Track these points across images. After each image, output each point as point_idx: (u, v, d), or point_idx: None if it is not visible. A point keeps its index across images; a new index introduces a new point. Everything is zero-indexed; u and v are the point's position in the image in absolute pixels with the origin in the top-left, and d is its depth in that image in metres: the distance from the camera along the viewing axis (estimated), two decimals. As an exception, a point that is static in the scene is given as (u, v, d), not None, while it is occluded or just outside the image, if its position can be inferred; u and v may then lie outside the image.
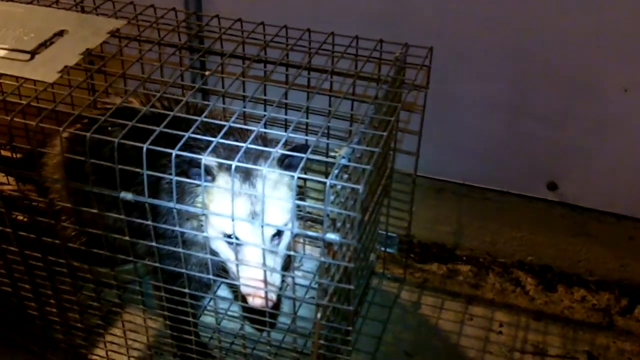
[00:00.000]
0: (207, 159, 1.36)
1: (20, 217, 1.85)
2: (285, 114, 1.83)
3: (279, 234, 1.53)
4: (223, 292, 2.03)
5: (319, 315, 1.41)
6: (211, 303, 1.90)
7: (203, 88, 1.66)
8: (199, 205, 1.53)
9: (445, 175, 2.15)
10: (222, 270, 1.61)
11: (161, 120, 1.38)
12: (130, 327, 1.76)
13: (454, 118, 2.04)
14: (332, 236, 1.27)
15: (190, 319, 1.63)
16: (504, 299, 2.07)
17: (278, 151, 1.40)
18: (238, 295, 1.57)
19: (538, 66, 1.92)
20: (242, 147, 1.34)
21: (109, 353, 1.81)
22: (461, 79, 1.99)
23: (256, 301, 1.49)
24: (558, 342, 1.93)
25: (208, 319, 1.93)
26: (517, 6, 1.87)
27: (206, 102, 1.97)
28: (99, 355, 1.84)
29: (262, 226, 1.42)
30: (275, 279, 1.50)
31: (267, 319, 1.51)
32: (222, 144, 1.37)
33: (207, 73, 1.63)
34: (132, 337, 1.77)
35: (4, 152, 2.19)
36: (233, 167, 1.29)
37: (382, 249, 2.05)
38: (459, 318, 2.00)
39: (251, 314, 1.59)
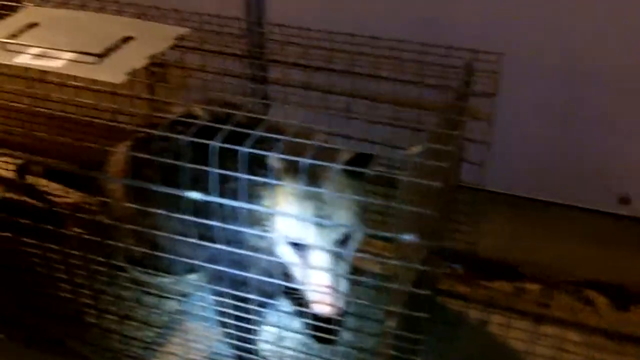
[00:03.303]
0: (274, 155, 1.33)
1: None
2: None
3: (345, 239, 1.49)
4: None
5: (390, 323, 1.36)
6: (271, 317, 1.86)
7: (265, 96, 1.65)
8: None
9: (511, 189, 2.08)
10: (285, 276, 1.58)
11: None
12: (190, 339, 1.72)
13: (520, 128, 1.98)
14: (408, 237, 1.22)
15: (252, 326, 1.60)
16: (574, 318, 1.99)
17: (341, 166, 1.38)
18: (302, 305, 1.53)
19: (607, 71, 1.85)
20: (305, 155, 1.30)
21: (168, 365, 1.78)
22: (523, 85, 1.93)
23: (323, 308, 1.45)
24: (633, 362, 1.85)
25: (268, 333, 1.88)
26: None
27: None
28: (158, 367, 1.81)
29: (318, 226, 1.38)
30: (342, 285, 1.46)
31: (330, 326, 1.47)
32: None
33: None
34: (192, 349, 1.73)
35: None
36: (301, 165, 1.26)
37: (448, 265, 1.99)
38: (529, 337, 1.91)
39: (314, 326, 1.54)
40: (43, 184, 2.27)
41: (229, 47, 1.75)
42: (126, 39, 1.64)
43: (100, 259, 1.65)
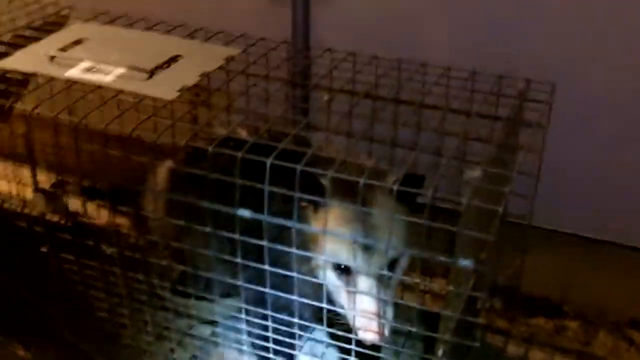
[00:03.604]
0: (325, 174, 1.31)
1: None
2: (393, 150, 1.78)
3: (392, 264, 1.46)
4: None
5: (440, 353, 1.32)
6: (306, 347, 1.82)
7: (308, 123, 1.63)
8: (308, 234, 1.48)
9: (551, 224, 2.03)
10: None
11: (268, 152, 1.33)
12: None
13: (564, 161, 1.94)
14: (465, 262, 1.19)
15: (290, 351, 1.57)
16: (617, 358, 1.94)
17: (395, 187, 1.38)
18: (343, 331, 1.49)
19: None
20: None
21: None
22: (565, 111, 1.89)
23: (369, 335, 1.41)
24: (681, 404, 1.79)
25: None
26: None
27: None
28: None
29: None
30: (389, 312, 1.43)
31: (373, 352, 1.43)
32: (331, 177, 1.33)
33: (325, 98, 1.60)
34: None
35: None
36: (353, 185, 1.24)
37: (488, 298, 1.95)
38: (571, 376, 1.87)
39: (356, 353, 1.50)
40: (78, 203, 2.25)
41: (275, 70, 1.74)
42: (175, 58, 1.64)
43: (138, 276, 1.64)
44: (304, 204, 1.47)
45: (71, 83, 1.51)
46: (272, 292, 1.49)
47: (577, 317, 2.06)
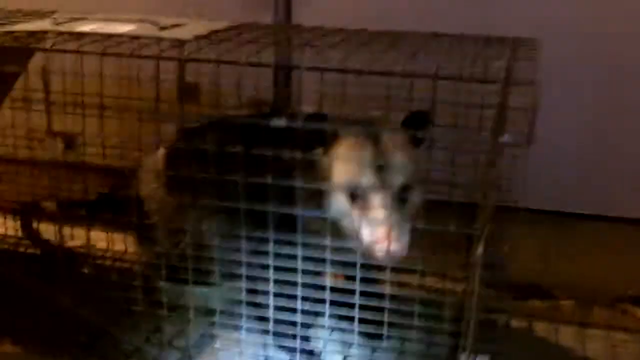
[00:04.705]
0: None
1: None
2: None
3: (407, 190, 1.49)
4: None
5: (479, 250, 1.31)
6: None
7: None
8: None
9: (532, 204, 2.04)
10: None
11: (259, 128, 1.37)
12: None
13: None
14: (507, 138, 1.22)
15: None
16: (618, 323, 1.96)
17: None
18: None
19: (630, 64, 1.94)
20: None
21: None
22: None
23: (380, 248, 1.40)
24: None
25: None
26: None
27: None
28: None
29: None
30: (403, 231, 1.42)
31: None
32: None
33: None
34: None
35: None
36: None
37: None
38: (579, 338, 1.87)
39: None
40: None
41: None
42: (177, 25, 1.67)
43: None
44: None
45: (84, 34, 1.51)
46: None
47: (569, 298, 2.08)
